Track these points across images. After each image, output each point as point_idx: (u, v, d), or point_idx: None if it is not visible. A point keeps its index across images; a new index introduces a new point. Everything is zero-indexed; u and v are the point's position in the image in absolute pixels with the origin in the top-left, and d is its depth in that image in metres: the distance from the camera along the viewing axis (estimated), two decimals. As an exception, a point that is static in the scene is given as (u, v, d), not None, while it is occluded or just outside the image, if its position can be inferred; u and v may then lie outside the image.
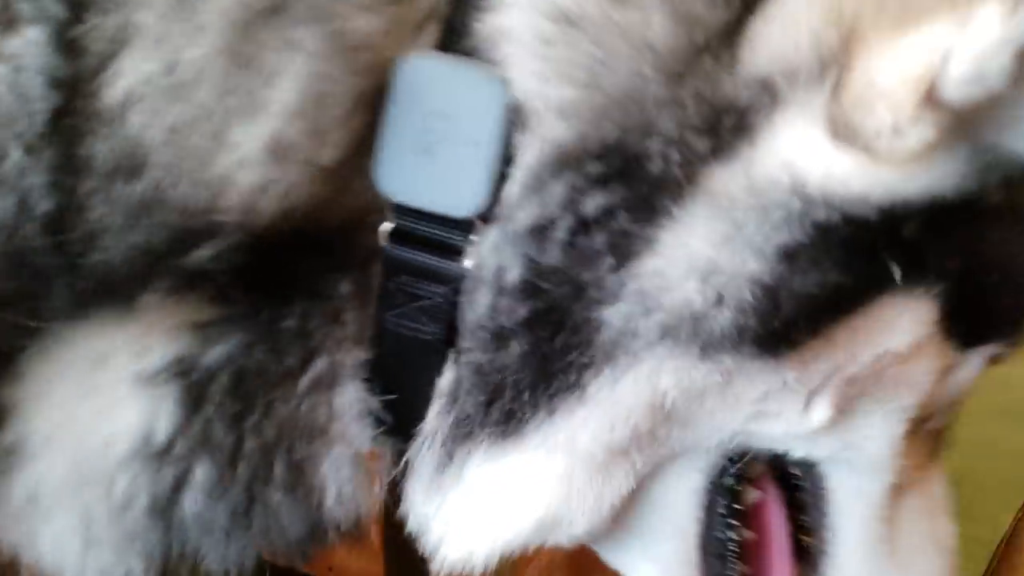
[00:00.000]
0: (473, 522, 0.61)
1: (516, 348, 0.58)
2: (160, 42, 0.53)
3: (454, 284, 0.58)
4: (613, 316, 0.57)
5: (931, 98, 0.51)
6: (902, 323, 0.60)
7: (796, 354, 0.58)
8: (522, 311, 0.57)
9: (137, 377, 0.58)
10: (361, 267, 0.60)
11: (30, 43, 0.52)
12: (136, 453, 0.59)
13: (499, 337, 0.58)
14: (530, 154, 0.57)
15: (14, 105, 0.52)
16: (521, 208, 0.57)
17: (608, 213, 0.56)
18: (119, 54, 0.53)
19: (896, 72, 0.52)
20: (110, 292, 0.56)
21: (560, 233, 0.56)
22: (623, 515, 0.63)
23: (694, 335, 0.56)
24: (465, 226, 0.58)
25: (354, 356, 0.61)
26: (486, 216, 0.58)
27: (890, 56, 0.52)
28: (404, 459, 0.62)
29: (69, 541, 0.60)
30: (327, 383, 0.61)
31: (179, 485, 0.59)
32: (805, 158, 0.56)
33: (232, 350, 0.58)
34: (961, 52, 0.49)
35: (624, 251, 0.56)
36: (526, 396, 0.58)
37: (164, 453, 0.59)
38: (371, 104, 0.57)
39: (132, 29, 0.53)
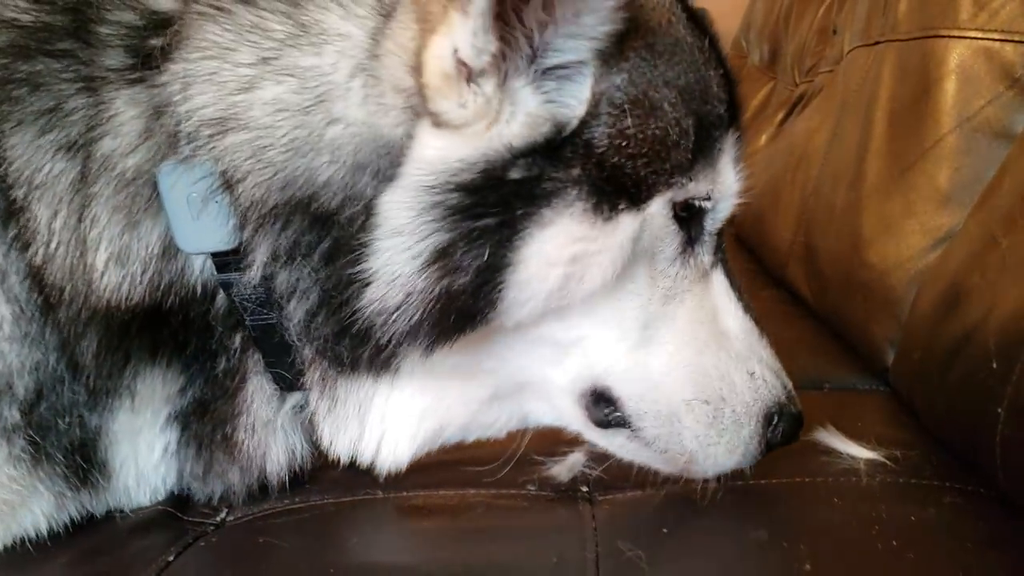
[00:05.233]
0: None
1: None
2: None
3: (258, 285, 0.88)
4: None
5: (463, 74, 0.79)
6: (562, 234, 0.82)
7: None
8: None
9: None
10: (217, 308, 0.91)
11: None
12: (163, 452, 0.96)
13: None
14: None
15: None
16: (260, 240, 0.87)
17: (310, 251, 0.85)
18: None
19: (436, 70, 0.79)
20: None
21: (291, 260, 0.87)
22: None
23: None
24: (235, 252, 0.88)
25: (255, 358, 0.94)
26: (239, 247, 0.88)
27: (430, 60, 0.79)
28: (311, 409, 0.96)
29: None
30: (244, 379, 0.94)
31: (178, 455, 0.97)
32: (428, 153, 0.81)
33: (195, 393, 0.93)
34: (461, 42, 0.77)
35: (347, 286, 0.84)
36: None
37: (176, 453, 0.96)
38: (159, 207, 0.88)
39: None
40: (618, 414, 0.92)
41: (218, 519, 0.95)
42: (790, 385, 0.93)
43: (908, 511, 0.85)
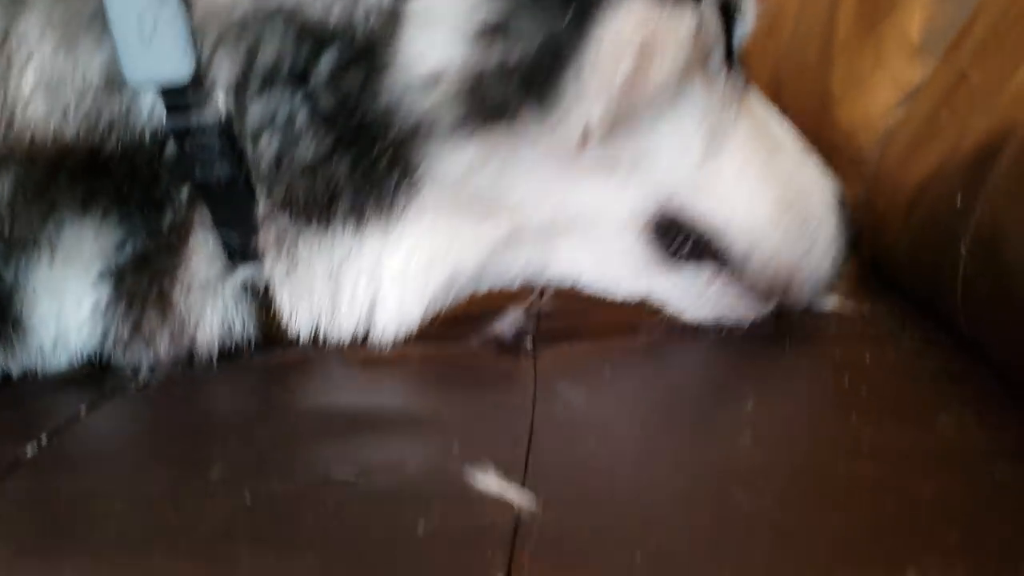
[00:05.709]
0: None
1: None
2: None
3: (215, 131, 0.76)
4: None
5: None
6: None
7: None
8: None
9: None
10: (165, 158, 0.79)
11: None
12: (92, 310, 0.85)
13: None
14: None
15: None
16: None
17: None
18: None
19: None
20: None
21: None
22: None
23: None
24: (193, 87, 0.76)
25: (204, 212, 0.81)
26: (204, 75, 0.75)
27: None
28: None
29: None
30: (188, 232, 0.82)
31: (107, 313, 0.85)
32: None
33: (135, 247, 0.82)
34: None
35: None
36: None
37: (104, 311, 0.85)
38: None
39: None
40: (694, 241, 0.85)
41: (140, 379, 0.90)
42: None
43: (863, 352, 0.81)
